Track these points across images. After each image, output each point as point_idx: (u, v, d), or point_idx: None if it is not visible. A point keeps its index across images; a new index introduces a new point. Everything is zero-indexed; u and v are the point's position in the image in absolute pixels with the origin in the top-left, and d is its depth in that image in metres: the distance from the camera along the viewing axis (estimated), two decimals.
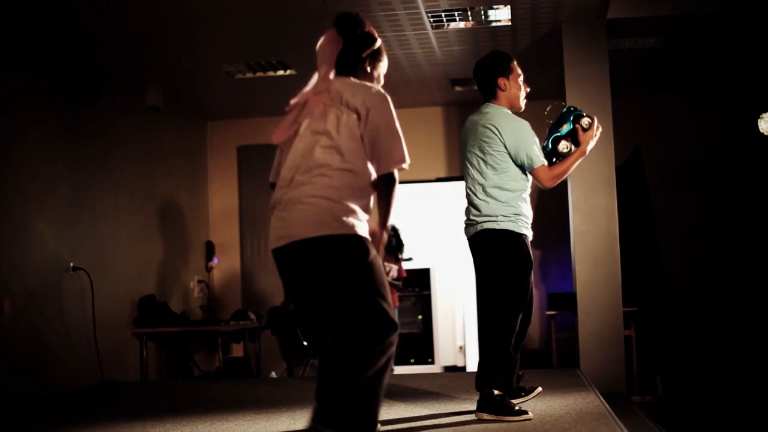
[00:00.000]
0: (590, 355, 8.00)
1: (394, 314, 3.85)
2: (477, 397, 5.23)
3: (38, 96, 7.93)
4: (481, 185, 5.35)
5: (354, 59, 4.27)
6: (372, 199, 4.03)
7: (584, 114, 5.48)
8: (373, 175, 3.99)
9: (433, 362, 10.62)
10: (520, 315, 5.26)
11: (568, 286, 9.31)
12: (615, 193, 8.17)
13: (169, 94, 10.03)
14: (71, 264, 8.13)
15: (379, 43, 4.37)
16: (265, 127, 11.52)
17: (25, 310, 7.50)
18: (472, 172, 5.41)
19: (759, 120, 9.47)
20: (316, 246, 3.79)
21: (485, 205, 5.34)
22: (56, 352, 7.87)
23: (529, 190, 5.43)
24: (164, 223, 10.26)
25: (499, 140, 5.28)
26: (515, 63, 5.58)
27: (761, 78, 10.29)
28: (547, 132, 5.54)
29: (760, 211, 10.63)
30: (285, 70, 9.41)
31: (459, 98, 10.99)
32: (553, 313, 9.86)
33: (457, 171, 11.30)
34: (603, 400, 5.70)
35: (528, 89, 5.60)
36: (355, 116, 3.98)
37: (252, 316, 10.25)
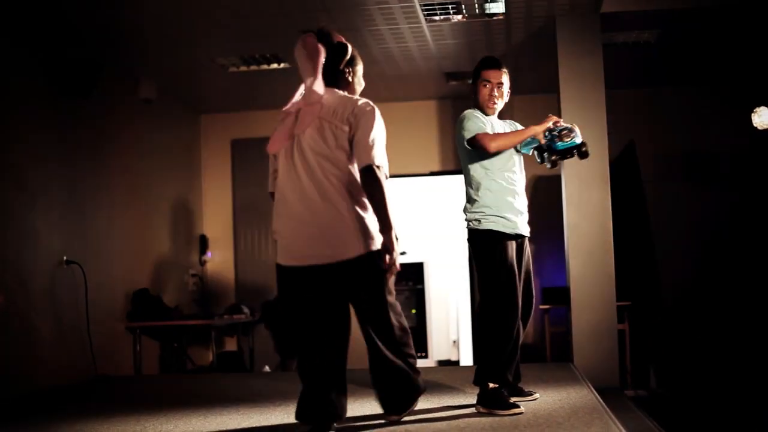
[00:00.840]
0: (584, 350, 8.00)
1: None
2: (471, 391, 5.28)
3: (31, 89, 7.90)
4: (468, 183, 5.42)
5: (334, 72, 4.65)
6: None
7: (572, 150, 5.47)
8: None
9: (426, 356, 10.61)
10: (512, 313, 5.25)
11: (561, 280, 9.30)
12: (609, 187, 8.16)
13: (163, 88, 10.01)
14: (64, 258, 8.11)
15: (350, 50, 4.70)
16: (258, 121, 11.51)
17: (18, 304, 7.48)
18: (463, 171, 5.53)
19: (753, 114, 9.48)
20: (355, 264, 4.43)
21: (468, 204, 5.46)
22: (49, 345, 7.86)
23: (517, 186, 5.45)
24: (157, 216, 10.25)
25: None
26: (487, 71, 5.53)
27: (755, 72, 10.30)
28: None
29: (753, 204, 10.63)
30: (279, 64, 9.39)
31: (453, 92, 10.97)
32: (546, 307, 9.87)
33: (451, 165, 11.30)
34: (596, 394, 5.70)
35: (499, 100, 5.55)
36: (347, 128, 4.42)
37: (245, 310, 10.24)
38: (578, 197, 8.16)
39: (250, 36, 8.57)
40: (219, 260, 11.65)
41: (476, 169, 5.39)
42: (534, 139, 5.45)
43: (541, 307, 9.98)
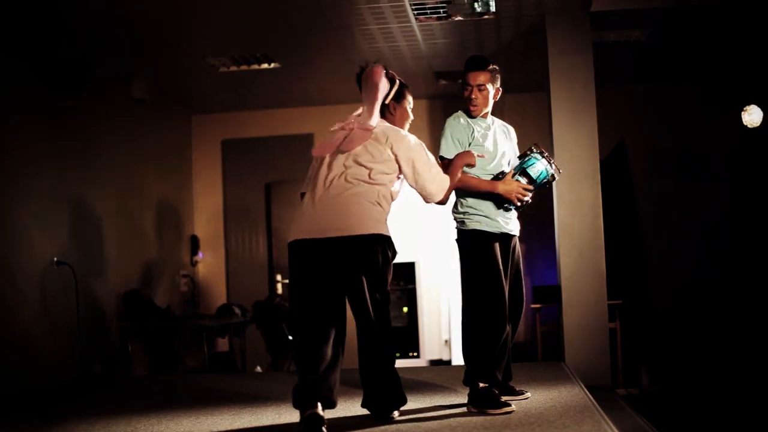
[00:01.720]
0: (575, 348, 8.00)
1: None
2: (463, 391, 5.29)
3: (23, 89, 7.89)
4: None
5: (383, 104, 5.11)
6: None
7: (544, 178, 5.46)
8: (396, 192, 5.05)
9: (418, 356, 10.61)
10: (498, 312, 5.25)
11: (552, 278, 9.31)
12: (599, 185, 8.17)
13: (154, 88, 10.00)
14: (55, 258, 8.09)
15: (398, 84, 5.21)
16: (249, 121, 11.52)
17: (9, 305, 7.47)
18: None
19: (743, 112, 9.50)
20: (365, 241, 4.72)
21: (455, 205, 5.50)
22: (41, 346, 7.84)
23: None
24: (149, 217, 10.23)
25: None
26: (467, 73, 5.53)
27: (745, 70, 10.32)
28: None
29: (744, 202, 10.66)
30: (269, 64, 9.38)
31: (444, 91, 10.97)
32: (537, 306, 9.87)
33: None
34: (588, 393, 5.70)
35: (478, 102, 5.54)
36: (391, 154, 4.92)
37: (237, 311, 10.22)
38: (569, 196, 8.16)
39: (241, 36, 8.56)
40: (210, 261, 11.64)
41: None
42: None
43: (533, 305, 9.98)
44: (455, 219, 5.45)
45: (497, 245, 5.34)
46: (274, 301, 10.51)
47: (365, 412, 4.94)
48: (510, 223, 5.45)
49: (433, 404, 5.46)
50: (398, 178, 5.00)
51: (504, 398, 5.18)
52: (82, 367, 8.19)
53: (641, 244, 9.83)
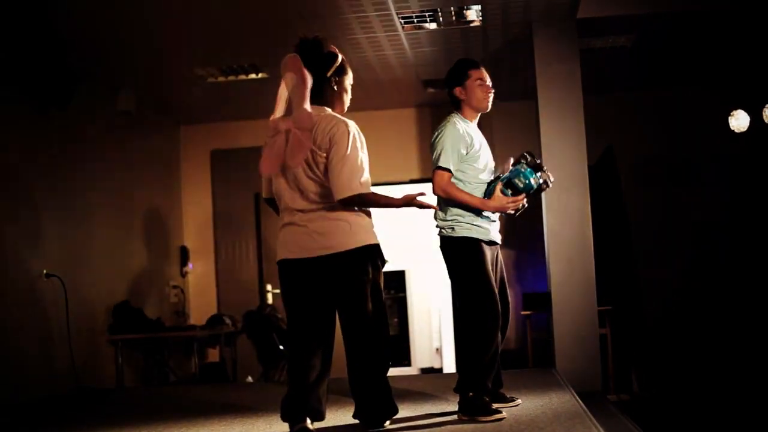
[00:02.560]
0: (565, 355, 8.01)
1: None
2: (454, 399, 5.29)
3: (9, 100, 7.86)
4: None
5: (320, 81, 4.74)
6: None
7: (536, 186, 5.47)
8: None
9: (409, 364, 10.61)
10: (492, 319, 5.25)
11: (543, 285, 9.31)
12: (588, 192, 8.19)
13: (142, 99, 9.99)
14: (44, 271, 8.08)
15: (340, 59, 4.81)
16: (238, 131, 11.51)
17: None
18: None
19: (729, 117, 9.52)
20: (347, 257, 4.61)
21: (440, 211, 5.45)
22: (31, 358, 7.82)
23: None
24: (138, 228, 10.22)
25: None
26: (477, 70, 5.57)
27: (732, 75, 10.36)
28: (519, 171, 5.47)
29: (732, 207, 10.69)
30: (257, 74, 9.39)
31: (431, 99, 10.99)
32: (528, 313, 9.87)
33: (431, 173, 11.29)
34: (578, 400, 5.71)
35: (491, 92, 5.60)
36: (324, 154, 4.58)
37: (227, 321, 10.22)
38: (558, 203, 8.18)
39: (229, 46, 8.57)
40: (200, 271, 11.63)
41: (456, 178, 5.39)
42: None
43: (523, 312, 9.99)
44: (441, 226, 5.42)
45: (487, 252, 5.35)
46: (265, 311, 10.51)
47: (356, 422, 4.94)
48: (495, 230, 5.46)
49: (424, 413, 5.46)
50: None
51: (495, 405, 5.19)
52: (72, 379, 8.17)
53: (630, 250, 9.84)
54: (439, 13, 7.87)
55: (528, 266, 10.90)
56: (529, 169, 5.39)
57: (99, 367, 8.99)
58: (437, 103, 11.09)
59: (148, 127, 10.70)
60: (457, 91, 5.55)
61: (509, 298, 5.59)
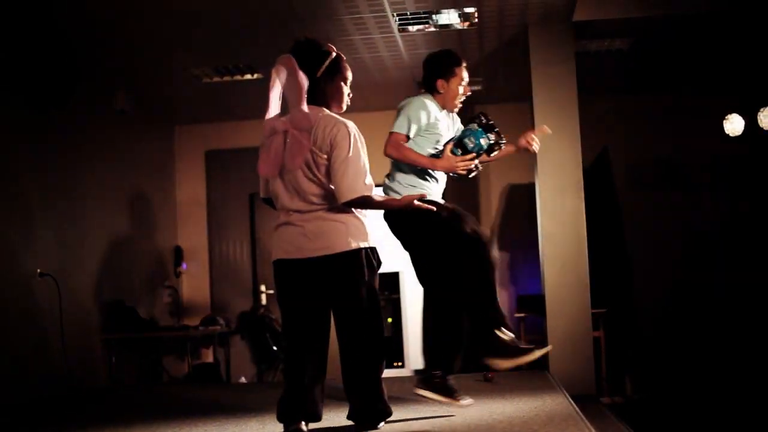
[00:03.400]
0: (559, 357, 8.01)
1: None
2: (448, 401, 5.28)
3: (5, 100, 7.85)
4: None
5: (314, 82, 4.69)
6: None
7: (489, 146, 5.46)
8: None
9: (403, 366, 10.61)
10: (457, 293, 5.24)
11: (537, 288, 9.32)
12: (583, 194, 8.20)
13: (137, 99, 9.97)
14: (38, 270, 8.06)
15: (332, 56, 4.77)
16: (233, 132, 11.50)
17: None
18: None
19: (725, 121, 9.54)
20: (342, 258, 4.59)
21: (387, 179, 5.56)
22: (24, 358, 7.80)
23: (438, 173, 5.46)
24: (132, 228, 10.20)
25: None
26: (462, 68, 5.57)
27: (727, 79, 10.37)
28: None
29: (727, 211, 10.70)
30: (252, 74, 9.39)
31: None
32: (522, 315, 9.88)
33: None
34: (572, 402, 5.70)
35: (469, 92, 5.63)
36: (326, 156, 4.53)
37: (221, 321, 10.22)
38: (552, 205, 8.18)
39: (224, 47, 8.56)
40: (194, 271, 11.61)
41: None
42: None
43: (517, 315, 10.00)
44: (383, 190, 5.43)
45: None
46: (259, 311, 10.51)
47: (350, 423, 4.93)
48: (437, 191, 5.51)
49: (418, 414, 5.45)
50: None
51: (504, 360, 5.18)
52: (65, 378, 8.16)
53: (625, 252, 9.85)
54: (435, 15, 7.87)
55: (522, 268, 10.91)
56: (480, 130, 5.35)
57: (92, 366, 8.98)
58: None
59: (143, 128, 10.68)
60: (439, 83, 5.54)
61: (492, 260, 5.36)
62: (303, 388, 4.63)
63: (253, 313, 10.48)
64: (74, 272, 8.74)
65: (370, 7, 7.53)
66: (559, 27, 8.27)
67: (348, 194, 4.48)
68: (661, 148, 10.98)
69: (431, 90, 5.60)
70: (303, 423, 4.61)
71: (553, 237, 8.18)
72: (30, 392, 7.65)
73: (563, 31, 8.29)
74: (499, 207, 11.00)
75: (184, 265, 11.51)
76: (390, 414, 4.87)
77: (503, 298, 11.06)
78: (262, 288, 11.27)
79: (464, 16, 7.94)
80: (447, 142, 5.43)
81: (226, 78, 9.51)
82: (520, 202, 10.63)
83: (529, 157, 7.88)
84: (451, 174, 5.45)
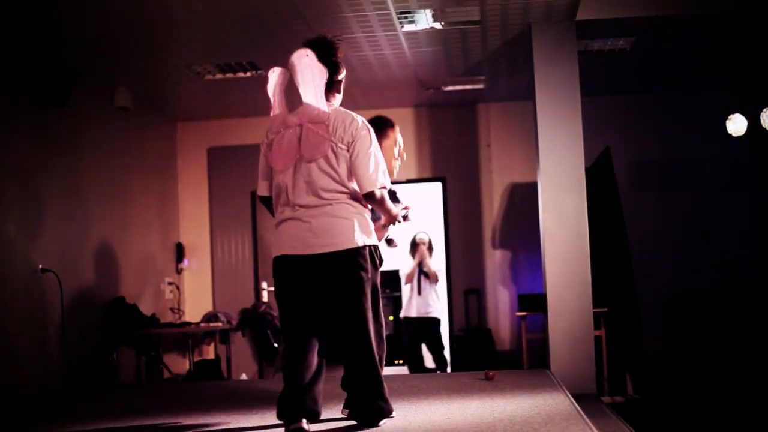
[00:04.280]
0: (560, 356, 8.02)
1: None
2: (447, 398, 5.28)
3: (5, 98, 7.86)
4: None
5: (331, 83, 4.82)
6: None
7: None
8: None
9: (403, 363, 10.60)
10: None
11: (538, 286, 9.32)
12: (584, 193, 8.20)
13: (139, 96, 9.98)
14: (40, 266, 8.06)
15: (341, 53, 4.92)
16: (235, 129, 11.51)
17: None
18: None
19: (727, 121, 9.53)
20: (347, 255, 4.64)
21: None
22: (25, 354, 7.81)
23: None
24: (134, 224, 10.21)
25: None
26: (395, 131, 5.59)
27: (730, 79, 10.36)
28: None
29: (728, 211, 10.69)
30: (255, 71, 9.38)
31: (430, 99, 10.99)
32: (523, 314, 9.87)
33: (429, 172, 11.32)
34: (573, 401, 5.71)
35: (404, 157, 5.65)
36: (346, 148, 4.65)
37: (222, 318, 10.22)
38: (554, 204, 8.19)
39: (226, 44, 8.56)
40: (196, 268, 11.62)
41: None
42: None
43: (518, 313, 9.99)
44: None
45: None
46: (260, 308, 10.51)
47: (352, 421, 4.94)
48: None
49: (418, 412, 5.46)
50: None
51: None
52: (67, 375, 8.17)
53: (626, 251, 9.83)
54: (439, 13, 7.86)
55: (524, 267, 10.92)
56: None
57: (93, 363, 8.98)
58: (435, 104, 11.10)
59: (145, 124, 10.68)
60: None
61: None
62: (303, 386, 4.64)
63: (255, 310, 10.47)
64: (76, 268, 8.75)
65: (374, 5, 7.53)
66: (562, 26, 8.27)
67: (372, 185, 4.64)
68: (664, 148, 10.98)
69: None
70: (304, 421, 4.61)
71: (554, 236, 8.18)
72: (30, 388, 7.66)
73: (566, 30, 8.29)
74: (500, 206, 11.00)
75: (186, 262, 11.52)
76: (391, 412, 4.87)
77: (505, 297, 11.08)
78: (264, 285, 11.27)
79: (467, 15, 7.93)
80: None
81: (229, 75, 9.50)
82: (522, 201, 10.63)
83: (531, 156, 7.89)
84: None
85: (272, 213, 4.94)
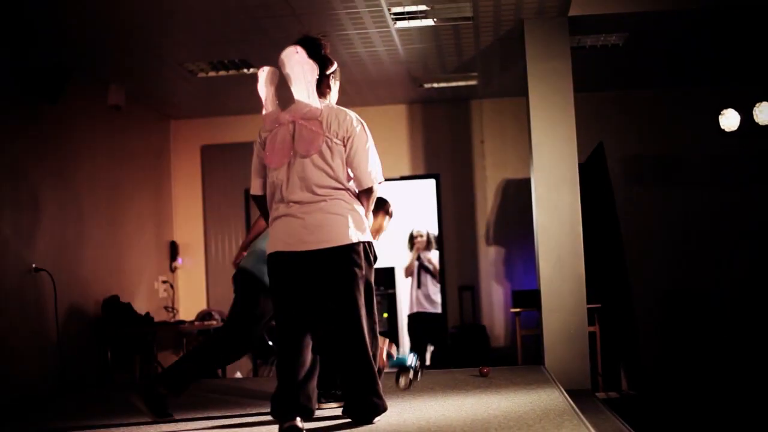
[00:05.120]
0: (555, 352, 8.02)
1: None
2: (443, 394, 5.29)
3: None
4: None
5: (321, 77, 4.85)
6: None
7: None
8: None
9: None
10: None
11: (532, 283, 9.33)
12: (578, 189, 8.20)
13: (132, 94, 9.95)
14: (33, 265, 8.05)
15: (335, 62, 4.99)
16: (228, 127, 11.50)
17: None
18: None
19: (720, 116, 9.53)
20: (342, 251, 4.65)
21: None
22: (18, 354, 7.79)
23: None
24: (127, 223, 10.19)
25: None
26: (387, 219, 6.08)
27: (722, 74, 10.37)
28: None
29: (721, 206, 10.70)
30: (248, 69, 9.37)
31: (423, 96, 10.98)
32: (517, 310, 9.87)
33: (422, 169, 11.31)
34: (567, 397, 5.71)
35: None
36: (341, 143, 4.69)
37: (216, 316, 10.21)
38: (548, 200, 8.18)
39: (219, 41, 8.55)
40: (190, 266, 11.61)
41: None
42: None
43: (512, 310, 10.00)
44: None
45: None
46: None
47: (346, 419, 4.94)
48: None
49: (413, 409, 5.46)
50: None
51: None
52: (60, 374, 8.16)
53: (620, 247, 9.84)
54: (431, 9, 7.86)
55: (518, 263, 10.92)
56: None
57: (88, 361, 8.97)
58: (429, 100, 11.09)
59: (138, 122, 10.66)
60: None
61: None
62: (297, 384, 4.64)
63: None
64: (70, 267, 8.74)
65: (366, 1, 7.52)
66: (555, 22, 8.27)
67: (370, 181, 4.73)
68: (657, 144, 10.99)
69: None
70: (298, 419, 4.60)
71: (548, 232, 8.18)
72: (24, 388, 7.65)
73: (559, 26, 8.28)
74: (494, 202, 11.00)
75: (180, 260, 11.51)
76: (385, 408, 4.87)
77: (499, 293, 11.08)
78: None
79: (460, 11, 7.92)
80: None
81: (222, 73, 9.49)
82: (516, 197, 10.63)
83: (524, 152, 7.88)
84: None
85: (265, 214, 4.96)
